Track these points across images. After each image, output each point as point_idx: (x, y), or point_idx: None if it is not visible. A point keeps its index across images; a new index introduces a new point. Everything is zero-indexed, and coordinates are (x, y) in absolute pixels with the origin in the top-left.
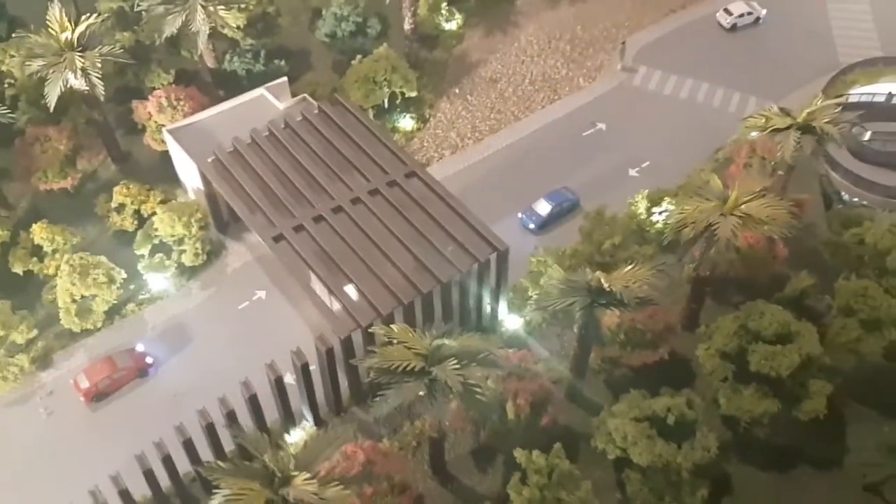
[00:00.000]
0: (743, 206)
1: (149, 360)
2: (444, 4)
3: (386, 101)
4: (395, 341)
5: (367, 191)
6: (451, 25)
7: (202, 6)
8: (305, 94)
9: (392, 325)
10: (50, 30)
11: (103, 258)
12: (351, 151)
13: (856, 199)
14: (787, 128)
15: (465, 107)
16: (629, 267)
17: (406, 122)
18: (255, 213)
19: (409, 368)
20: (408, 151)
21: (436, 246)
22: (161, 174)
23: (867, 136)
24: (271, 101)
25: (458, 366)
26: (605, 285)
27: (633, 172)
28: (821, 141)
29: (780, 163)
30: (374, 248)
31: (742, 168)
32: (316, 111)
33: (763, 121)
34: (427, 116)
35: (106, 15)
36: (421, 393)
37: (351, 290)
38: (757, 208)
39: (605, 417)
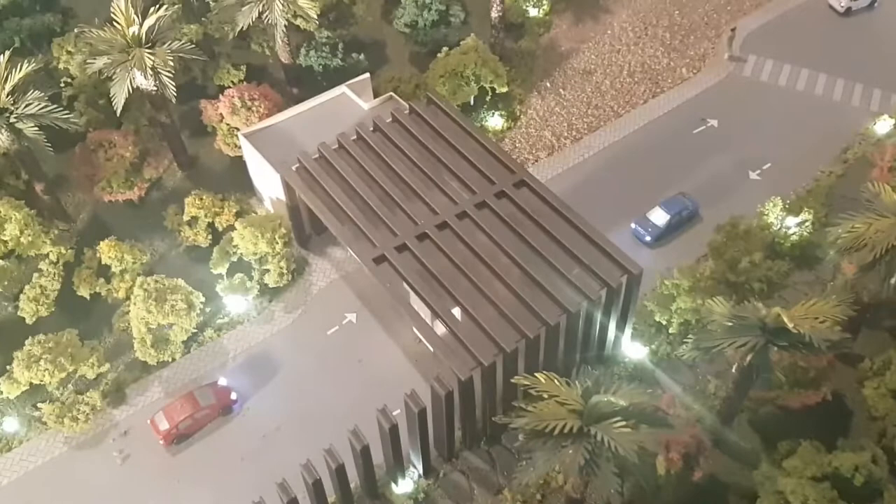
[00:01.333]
0: None
1: (233, 396)
2: None
3: (472, 97)
4: (544, 394)
5: (473, 203)
6: (537, 12)
7: None
8: (391, 93)
9: (537, 374)
10: (115, 24)
11: (181, 281)
12: (450, 157)
13: None
14: None
15: (558, 102)
16: (813, 301)
17: (495, 121)
18: (349, 229)
19: (563, 430)
20: (512, 157)
21: (559, 269)
22: (232, 182)
23: None
24: (355, 100)
25: (625, 426)
26: (790, 325)
27: (753, 175)
28: None
29: None
30: (489, 272)
31: (888, 172)
32: (407, 111)
33: None
34: (518, 114)
35: (176, 6)
36: (581, 462)
37: (466, 322)
38: None
39: (772, 473)
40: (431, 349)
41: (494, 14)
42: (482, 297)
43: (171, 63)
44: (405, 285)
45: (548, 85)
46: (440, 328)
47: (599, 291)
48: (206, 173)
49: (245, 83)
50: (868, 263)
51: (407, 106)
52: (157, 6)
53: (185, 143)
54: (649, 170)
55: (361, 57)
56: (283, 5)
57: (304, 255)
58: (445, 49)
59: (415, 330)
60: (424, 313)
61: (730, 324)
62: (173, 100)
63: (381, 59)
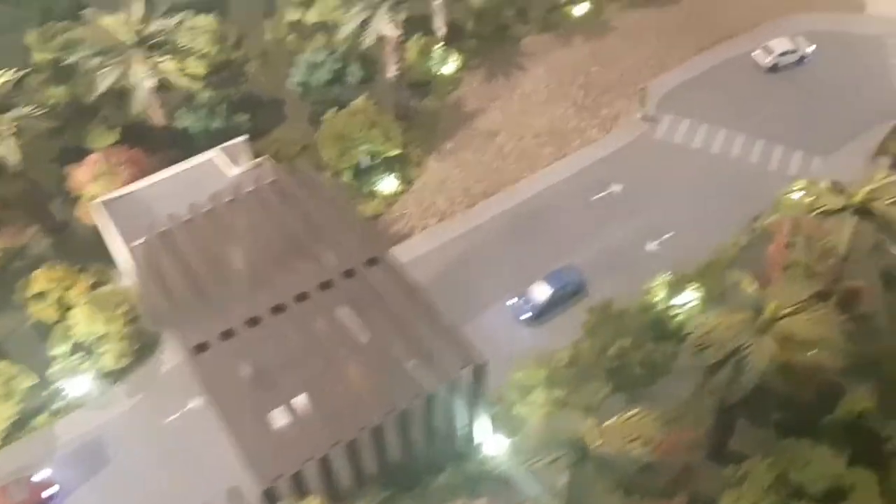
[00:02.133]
0: (784, 321)
1: (52, 490)
2: (437, 46)
3: (366, 159)
4: None
5: (317, 283)
6: (448, 69)
7: (145, 57)
8: (267, 156)
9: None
10: None
11: (2, 364)
12: (305, 232)
13: None
14: (841, 210)
15: (457, 165)
16: (631, 413)
17: (388, 184)
18: (179, 312)
19: None
20: (375, 230)
21: (397, 359)
22: (103, 250)
23: None
24: (223, 165)
25: None
26: (595, 443)
27: (652, 246)
28: (884, 229)
29: (829, 251)
30: (319, 362)
31: (784, 248)
32: (269, 180)
33: (809, 198)
34: (413, 177)
35: (17, 73)
36: None
37: (280, 419)
38: (802, 325)
39: None
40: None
41: (391, 73)
42: (307, 393)
43: (16, 129)
44: (213, 381)
45: (449, 146)
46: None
47: (437, 384)
48: (75, 240)
49: (122, 145)
50: (714, 364)
51: (276, 172)
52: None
53: (55, 207)
54: (542, 239)
55: (246, 118)
56: (146, 68)
57: (158, 333)
58: (333, 109)
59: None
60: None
61: (543, 436)
62: (20, 167)
63: (280, 118)
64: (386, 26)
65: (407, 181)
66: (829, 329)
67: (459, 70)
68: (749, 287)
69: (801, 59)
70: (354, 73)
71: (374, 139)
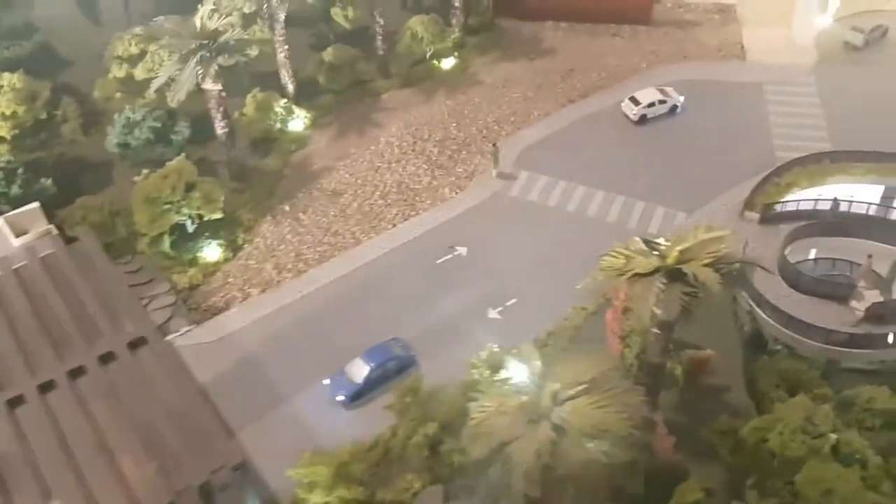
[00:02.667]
0: (568, 406)
1: None
2: (282, 102)
3: (190, 224)
4: None
5: (66, 371)
6: (296, 125)
7: None
8: (50, 227)
9: None
10: None
11: None
12: (67, 311)
13: (785, 348)
14: (653, 272)
15: (293, 228)
16: None
17: (212, 252)
18: None
19: None
20: (142, 309)
21: (138, 459)
22: None
23: (812, 254)
24: (3, 235)
25: None
26: None
27: (493, 314)
28: (693, 294)
29: (650, 318)
30: (59, 463)
31: (621, 314)
32: (43, 254)
33: (622, 260)
34: (241, 243)
35: None
36: None
37: None
38: (584, 410)
39: None
40: None
41: (219, 130)
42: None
43: None
44: None
45: (286, 208)
46: None
47: (178, 489)
48: None
49: None
50: (482, 460)
51: (54, 244)
52: None
53: None
54: (376, 308)
55: (49, 182)
56: None
57: None
58: (145, 171)
59: None
60: None
61: None
62: None
63: (105, 182)
64: (203, 80)
65: (233, 247)
66: (612, 418)
67: (308, 127)
68: (533, 360)
69: (673, 109)
70: (182, 130)
71: (193, 202)
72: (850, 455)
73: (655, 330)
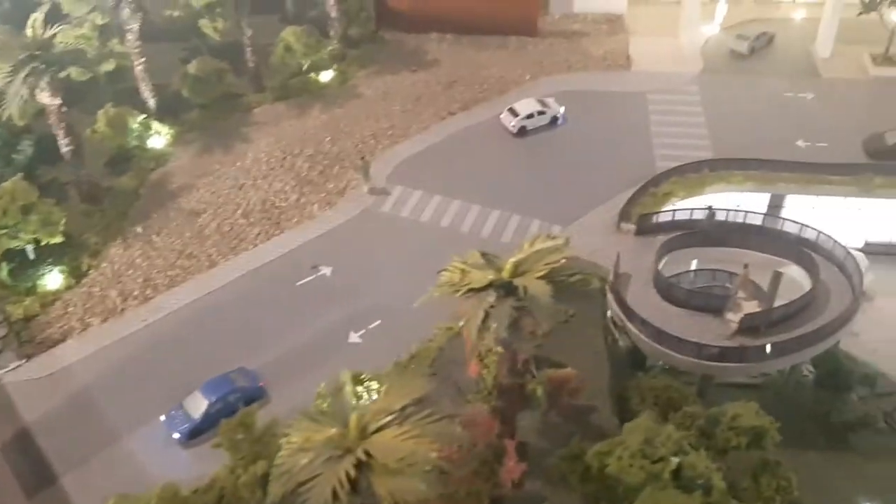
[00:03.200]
0: (374, 438)
1: None
2: (140, 117)
3: (31, 250)
4: None
5: None
6: (157, 142)
7: None
8: None
9: None
10: None
11: None
12: None
13: (659, 363)
14: (487, 286)
15: (144, 252)
16: None
17: (53, 279)
18: None
19: None
20: None
21: None
22: None
23: (693, 264)
24: None
25: None
26: None
27: (354, 337)
28: (528, 311)
29: (480, 336)
30: None
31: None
32: None
33: (458, 275)
34: (85, 268)
35: None
36: None
37: None
38: (390, 443)
39: None
40: None
41: (63, 148)
42: None
43: None
44: None
45: (139, 231)
46: None
47: None
48: None
49: None
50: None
51: None
52: None
53: None
54: (227, 335)
55: None
56: None
57: None
58: None
59: None
60: None
61: None
62: None
63: None
64: (38, 94)
65: (77, 274)
66: (419, 449)
67: (171, 143)
68: (349, 397)
69: (553, 120)
70: (25, 149)
71: (29, 226)
72: (692, 480)
73: (499, 349)
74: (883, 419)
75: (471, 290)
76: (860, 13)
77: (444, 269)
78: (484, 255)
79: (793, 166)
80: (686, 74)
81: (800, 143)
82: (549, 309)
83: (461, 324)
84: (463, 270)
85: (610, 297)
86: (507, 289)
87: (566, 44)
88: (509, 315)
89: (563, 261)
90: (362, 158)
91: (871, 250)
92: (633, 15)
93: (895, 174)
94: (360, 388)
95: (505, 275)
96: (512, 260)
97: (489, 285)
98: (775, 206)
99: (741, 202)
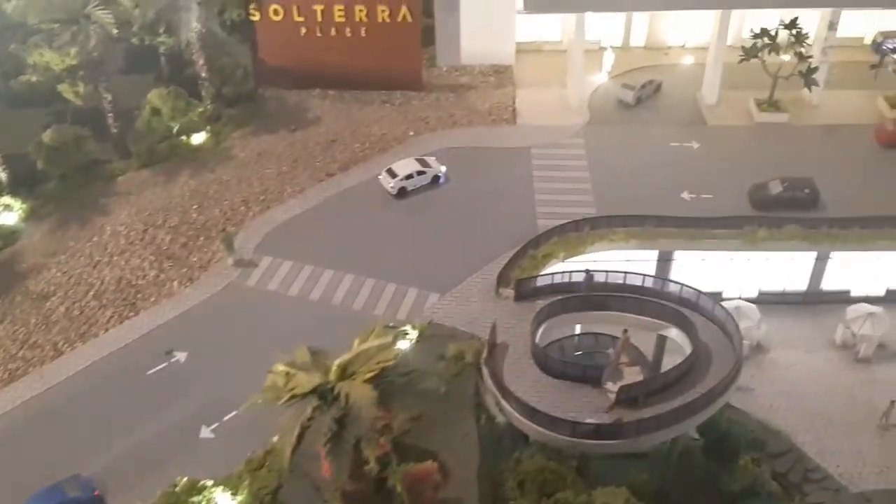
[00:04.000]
0: None
1: None
2: None
3: None
4: None
5: None
6: (9, 218)
7: None
8: None
9: None
10: None
11: None
12: None
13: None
14: (312, 391)
15: None
16: None
17: None
18: None
19: None
20: None
21: None
22: None
23: (578, 328)
24: None
25: None
26: None
27: (206, 432)
28: (345, 418)
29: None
30: None
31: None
32: None
33: (283, 378)
34: None
35: None
36: None
37: None
38: None
39: None
40: None
41: None
42: None
43: None
44: None
45: None
46: None
47: None
48: None
49: None
50: None
51: None
52: None
53: None
54: (68, 435)
55: None
56: None
57: None
58: None
59: None
60: None
61: None
62: None
63: None
64: None
65: None
66: None
67: (24, 219)
68: None
69: (435, 179)
70: None
71: None
72: None
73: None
74: (777, 481)
75: (294, 396)
76: (741, 59)
77: (271, 370)
78: (313, 352)
79: (676, 221)
80: (572, 127)
81: (685, 195)
82: (369, 420)
83: (274, 440)
84: (288, 373)
85: (484, 371)
86: (330, 395)
87: (452, 98)
88: (328, 429)
89: (391, 360)
90: (223, 230)
91: (765, 300)
92: (522, 65)
93: (779, 226)
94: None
95: (332, 377)
96: (339, 361)
97: (314, 390)
98: (665, 260)
99: (629, 260)
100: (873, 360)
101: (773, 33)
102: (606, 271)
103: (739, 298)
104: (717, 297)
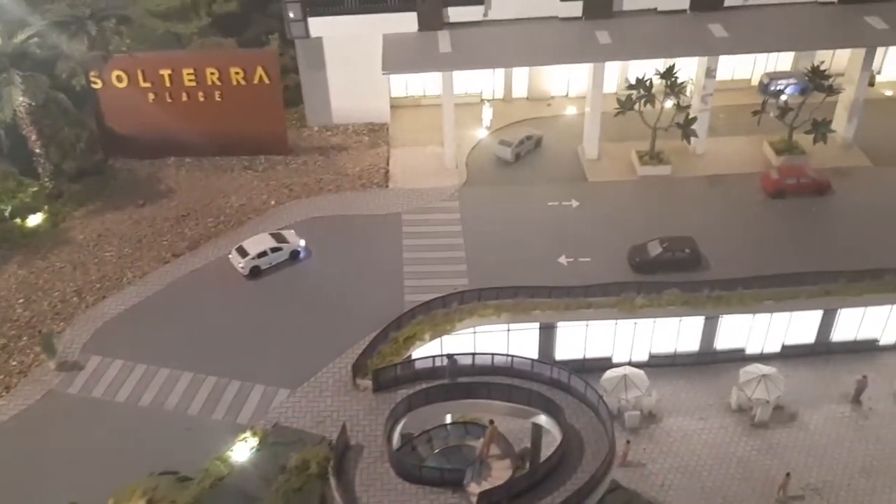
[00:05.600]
0: None
1: None
2: None
3: None
4: None
5: None
6: None
7: None
8: None
9: None
10: None
11: None
12: None
13: None
14: None
15: None
16: None
17: None
18: None
19: None
20: None
21: None
22: None
23: (448, 418)
24: None
25: None
26: None
27: None
28: None
29: None
30: None
31: None
32: None
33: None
34: None
35: None
36: None
37: None
38: None
39: None
40: None
41: None
42: None
43: None
44: None
45: None
46: None
47: None
48: None
49: None
50: None
51: None
52: None
53: None
54: None
55: None
56: None
57: None
58: None
59: None
60: None
61: None
62: None
63: None
64: None
65: None
66: None
67: None
68: None
69: (294, 255)
70: None
71: None
72: None
73: None
74: None
75: None
76: (616, 113)
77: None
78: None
79: (550, 291)
80: (447, 189)
81: (562, 259)
82: None
83: None
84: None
85: (332, 482)
86: None
87: (322, 161)
88: None
89: None
90: (39, 332)
91: (657, 362)
92: (400, 122)
93: (658, 291)
94: None
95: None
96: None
97: None
98: (548, 328)
99: (511, 329)
100: (770, 425)
101: (648, 83)
102: (473, 353)
103: (629, 363)
104: (605, 363)
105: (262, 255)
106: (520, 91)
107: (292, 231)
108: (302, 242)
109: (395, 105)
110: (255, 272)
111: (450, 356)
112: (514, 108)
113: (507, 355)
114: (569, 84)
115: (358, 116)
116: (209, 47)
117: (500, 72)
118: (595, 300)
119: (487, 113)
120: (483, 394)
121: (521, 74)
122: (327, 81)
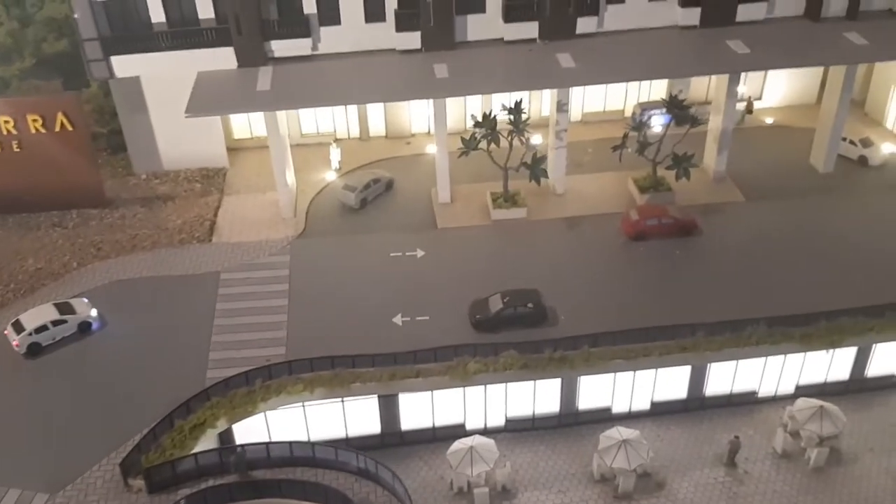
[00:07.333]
0: None
1: None
2: None
3: None
4: None
5: None
6: None
7: None
8: None
9: None
10: None
11: None
12: None
13: None
14: None
15: None
16: None
17: None
18: None
19: None
20: None
21: None
22: None
23: None
24: None
25: None
26: None
27: None
28: None
29: None
30: None
31: None
32: None
33: None
34: None
35: None
36: None
37: None
38: None
39: None
40: None
41: None
42: None
43: None
44: None
45: None
46: None
47: None
48: None
49: None
50: None
51: None
52: None
53: None
54: None
55: None
56: None
57: None
58: None
59: None
60: None
61: None
62: None
63: None
64: None
65: None
66: None
67: None
68: None
69: (86, 327)
70: None
71: None
72: None
73: None
74: None
75: None
76: (461, 154)
77: None
78: None
79: (374, 359)
80: (278, 241)
81: (397, 319)
82: None
83: None
84: None
85: None
86: None
87: (142, 213)
88: None
89: None
90: None
91: (514, 426)
92: (240, 166)
93: (494, 353)
94: None
95: None
96: None
97: None
98: (387, 397)
99: (347, 399)
100: (635, 496)
101: (493, 120)
102: (267, 443)
103: (483, 430)
104: (457, 430)
105: (42, 329)
106: (377, 128)
107: (84, 300)
108: (94, 312)
109: (238, 147)
110: (33, 350)
111: (238, 447)
112: (370, 148)
113: (308, 443)
114: (429, 120)
115: (191, 161)
116: (26, 91)
117: (353, 109)
118: (424, 367)
119: (335, 154)
120: (274, 491)
121: (376, 111)
122: (151, 124)
